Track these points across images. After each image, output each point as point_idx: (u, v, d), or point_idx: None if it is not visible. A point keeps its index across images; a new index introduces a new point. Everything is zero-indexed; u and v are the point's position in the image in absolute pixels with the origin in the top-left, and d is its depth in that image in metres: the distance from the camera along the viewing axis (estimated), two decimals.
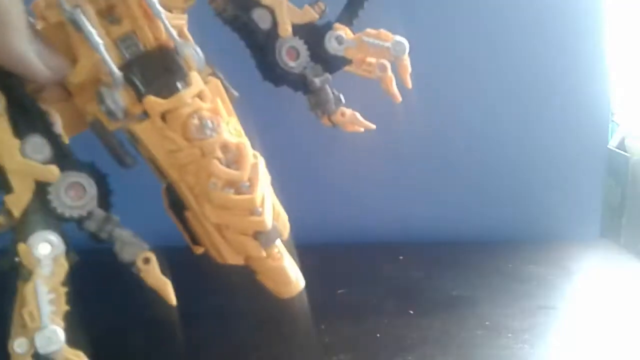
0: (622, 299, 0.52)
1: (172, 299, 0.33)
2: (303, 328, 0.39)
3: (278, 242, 0.35)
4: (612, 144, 0.73)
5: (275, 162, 0.61)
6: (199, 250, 0.36)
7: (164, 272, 0.33)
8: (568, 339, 0.45)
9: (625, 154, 0.70)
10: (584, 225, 0.67)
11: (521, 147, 0.65)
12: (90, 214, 0.32)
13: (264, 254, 0.34)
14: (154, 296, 0.36)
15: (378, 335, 0.44)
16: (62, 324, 0.30)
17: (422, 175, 0.64)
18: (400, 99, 0.44)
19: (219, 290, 0.49)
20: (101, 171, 0.33)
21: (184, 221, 0.35)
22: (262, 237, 0.33)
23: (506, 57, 0.63)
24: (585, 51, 0.64)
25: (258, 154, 0.35)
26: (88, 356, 0.31)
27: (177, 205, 0.35)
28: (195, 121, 0.32)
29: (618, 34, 0.68)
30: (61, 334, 0.30)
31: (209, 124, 0.32)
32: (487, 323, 0.46)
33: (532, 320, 0.47)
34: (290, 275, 0.35)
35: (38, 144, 0.31)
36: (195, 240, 0.36)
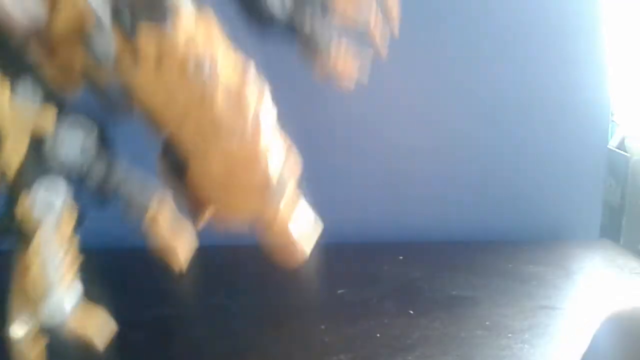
0: (622, 299, 0.52)
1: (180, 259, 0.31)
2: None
3: (287, 194, 0.33)
4: (612, 144, 0.73)
5: None
6: (201, 223, 0.34)
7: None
8: (568, 339, 0.45)
9: (625, 154, 0.70)
10: (584, 225, 0.67)
11: (521, 147, 0.65)
12: (91, 167, 0.30)
13: (272, 211, 0.33)
14: (154, 295, 0.35)
15: (378, 335, 0.44)
16: (74, 284, 0.29)
17: (422, 175, 0.64)
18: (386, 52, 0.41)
19: (219, 290, 0.49)
20: (100, 120, 0.31)
21: (182, 188, 0.33)
22: (268, 192, 0.32)
23: (506, 58, 0.63)
24: (585, 51, 0.64)
25: (263, 91, 0.33)
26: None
27: (177, 168, 0.33)
28: (192, 62, 0.30)
29: (618, 34, 0.68)
30: (72, 298, 0.28)
31: (207, 65, 0.31)
32: (487, 323, 0.46)
33: (532, 320, 0.47)
34: (296, 240, 0.34)
35: (29, 91, 0.29)
36: (196, 208, 0.34)
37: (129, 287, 0.42)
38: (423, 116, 0.62)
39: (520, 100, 0.64)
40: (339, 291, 0.51)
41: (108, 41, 0.30)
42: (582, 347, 0.39)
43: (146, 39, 0.30)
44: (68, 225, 0.29)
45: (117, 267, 0.35)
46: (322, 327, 0.45)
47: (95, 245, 0.35)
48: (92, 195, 0.30)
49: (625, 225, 0.68)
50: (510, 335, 0.44)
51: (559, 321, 0.47)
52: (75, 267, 0.29)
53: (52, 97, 0.30)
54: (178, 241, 0.31)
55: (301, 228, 0.34)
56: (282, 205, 0.33)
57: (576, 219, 0.66)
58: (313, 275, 0.50)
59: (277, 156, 0.33)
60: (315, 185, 0.64)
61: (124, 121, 0.31)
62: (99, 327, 0.30)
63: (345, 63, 0.40)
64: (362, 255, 0.59)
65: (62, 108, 0.30)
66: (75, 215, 0.29)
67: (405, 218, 0.64)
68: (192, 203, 0.34)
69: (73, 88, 0.32)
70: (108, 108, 0.31)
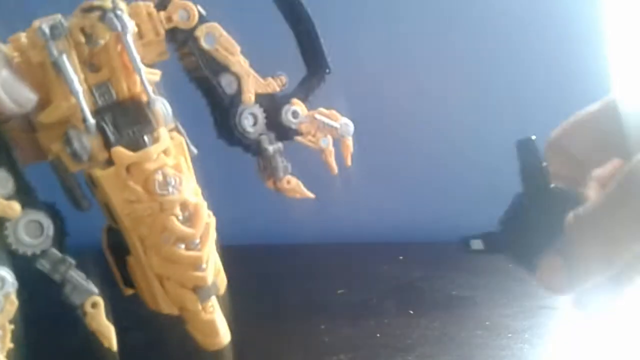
0: (622, 298, 0.52)
1: (113, 345, 0.34)
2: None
3: (213, 298, 0.36)
4: None
5: None
6: (129, 292, 0.38)
7: (107, 317, 0.34)
8: (568, 339, 0.45)
9: None
10: None
11: None
12: (44, 253, 0.32)
13: (199, 307, 0.35)
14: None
15: (378, 335, 0.44)
16: None
17: (422, 175, 0.64)
18: (336, 171, 0.47)
19: None
20: (61, 213, 0.33)
21: (120, 263, 0.37)
22: (201, 291, 0.35)
23: (506, 57, 0.63)
24: (585, 51, 0.64)
25: (211, 214, 0.36)
26: None
27: (119, 248, 0.36)
28: (160, 177, 0.33)
29: (617, 33, 0.68)
30: None
31: (172, 181, 0.33)
32: (487, 323, 0.46)
33: (532, 320, 0.47)
34: (219, 329, 0.37)
35: (2, 179, 0.31)
36: (127, 283, 0.37)
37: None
38: (424, 116, 0.62)
39: (519, 100, 0.64)
40: (339, 291, 0.51)
41: (87, 142, 0.32)
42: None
43: (123, 151, 0.33)
44: (12, 307, 0.31)
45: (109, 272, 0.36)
46: (322, 327, 0.45)
47: (95, 245, 0.35)
48: (41, 276, 0.32)
49: None
50: (510, 335, 0.44)
51: (559, 321, 0.47)
52: (6, 351, 0.31)
53: (22, 182, 0.32)
54: (110, 326, 0.34)
55: (223, 324, 0.37)
56: (208, 305, 0.36)
57: None
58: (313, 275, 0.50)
59: (213, 265, 0.36)
60: (316, 185, 0.64)
61: (84, 211, 0.34)
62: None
63: (298, 185, 0.45)
64: (362, 255, 0.59)
65: (30, 195, 0.32)
66: (15, 303, 0.31)
67: (405, 218, 0.64)
68: (122, 279, 0.38)
69: (38, 161, 0.34)
70: (71, 196, 0.33)
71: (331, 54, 0.43)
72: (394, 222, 0.64)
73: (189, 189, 0.35)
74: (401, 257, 0.59)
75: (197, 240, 0.34)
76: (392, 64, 0.61)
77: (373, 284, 0.53)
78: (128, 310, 0.45)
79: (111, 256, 0.38)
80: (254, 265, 0.54)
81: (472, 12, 0.62)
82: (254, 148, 0.42)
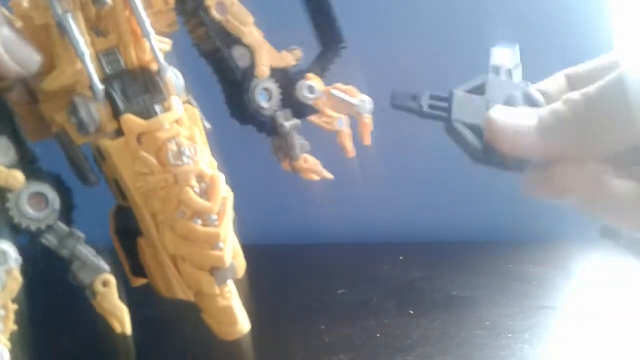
0: (622, 298, 0.52)
1: (127, 328, 0.32)
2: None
3: (230, 282, 0.34)
4: None
5: (274, 162, 0.61)
6: (137, 282, 0.36)
7: (121, 298, 0.32)
8: (568, 339, 0.45)
9: None
10: (584, 225, 0.67)
11: None
12: (49, 228, 0.30)
13: (217, 291, 0.33)
14: (152, 295, 0.35)
15: (378, 335, 0.44)
16: (8, 344, 0.28)
17: (422, 175, 0.64)
18: (353, 154, 0.45)
19: None
20: (66, 184, 0.31)
21: (129, 249, 0.34)
22: (218, 273, 0.33)
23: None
24: (585, 51, 0.64)
25: (229, 189, 0.34)
26: None
27: (128, 231, 0.34)
28: (173, 147, 0.31)
29: (618, 32, 0.68)
30: (6, 355, 0.28)
31: (187, 151, 0.31)
32: (487, 323, 0.46)
33: (532, 320, 0.47)
34: (237, 317, 0.34)
35: (3, 146, 0.29)
36: (136, 271, 0.35)
37: (129, 287, 0.42)
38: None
39: None
40: (339, 291, 0.51)
41: (95, 110, 0.30)
42: None
43: (134, 119, 0.31)
44: (16, 283, 0.29)
45: (117, 267, 0.35)
46: (322, 327, 0.45)
47: (96, 245, 0.35)
48: (46, 252, 0.31)
49: None
50: (510, 335, 0.44)
51: (559, 321, 0.47)
52: (9, 332, 0.29)
53: (25, 151, 0.30)
54: (122, 308, 0.32)
55: (241, 311, 0.35)
56: (226, 289, 0.34)
57: (576, 219, 0.66)
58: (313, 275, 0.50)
59: (231, 245, 0.34)
60: (316, 186, 0.64)
61: (91, 185, 0.32)
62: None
63: (316, 165, 0.43)
64: (362, 255, 0.59)
65: (33, 165, 0.30)
66: (19, 280, 0.29)
67: (405, 218, 0.64)
68: (131, 268, 0.35)
69: (41, 139, 0.32)
70: (78, 170, 0.32)
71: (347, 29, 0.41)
72: (394, 222, 0.64)
73: (204, 160, 0.33)
74: (401, 257, 0.59)
75: (215, 216, 0.32)
76: (389, 64, 0.61)
77: (373, 284, 0.53)
78: (128, 309, 0.45)
79: (119, 241, 0.35)
80: (254, 265, 0.54)
81: (472, 11, 0.62)
82: (269, 125, 0.40)
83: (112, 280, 0.31)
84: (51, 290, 0.36)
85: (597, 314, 0.49)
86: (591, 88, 0.23)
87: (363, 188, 0.63)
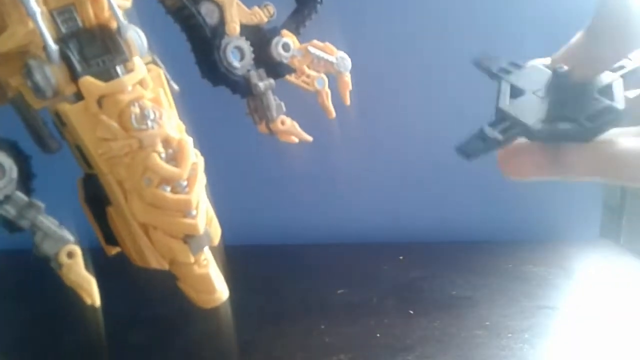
0: (622, 298, 0.52)
1: (96, 299, 0.30)
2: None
3: (206, 249, 0.32)
4: None
5: (274, 162, 0.61)
6: (112, 252, 0.34)
7: (87, 269, 0.30)
8: (568, 339, 0.45)
9: None
10: (584, 225, 0.67)
11: None
12: (7, 198, 0.28)
13: (192, 259, 0.31)
14: (154, 295, 0.35)
15: (378, 335, 0.44)
16: None
17: (422, 176, 0.64)
18: (334, 114, 0.43)
19: None
20: (24, 152, 0.29)
21: (100, 217, 0.32)
22: (192, 241, 0.31)
23: (507, 56, 0.63)
24: None
25: (199, 153, 0.32)
26: None
27: (97, 199, 0.32)
28: (136, 110, 0.29)
29: None
30: None
31: (151, 114, 0.30)
32: (487, 323, 0.46)
33: (532, 320, 0.47)
34: (215, 284, 0.33)
35: None
36: (110, 240, 0.33)
37: (129, 287, 0.42)
38: (423, 116, 0.62)
39: None
40: (339, 291, 0.51)
41: (51, 73, 0.28)
42: None
43: (93, 81, 0.29)
44: None
45: (117, 267, 0.35)
46: (322, 327, 0.45)
47: (96, 245, 0.34)
48: (6, 223, 0.29)
49: (625, 225, 0.68)
50: (510, 335, 0.44)
51: (559, 321, 0.47)
52: None
53: None
54: (90, 278, 0.30)
55: (218, 278, 0.33)
56: (202, 257, 0.32)
57: (576, 219, 0.66)
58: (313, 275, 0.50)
59: (204, 211, 0.32)
60: (316, 185, 0.64)
61: (52, 152, 0.30)
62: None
63: (293, 126, 0.41)
64: (362, 255, 0.59)
65: None
66: None
67: (405, 218, 0.64)
68: (104, 236, 0.33)
69: None
70: (37, 136, 0.30)
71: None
72: (394, 222, 0.64)
73: (171, 124, 0.31)
74: (401, 257, 0.59)
75: (184, 182, 0.30)
76: (390, 66, 0.61)
77: (373, 284, 0.53)
78: (128, 310, 0.45)
79: (90, 210, 0.33)
80: (254, 265, 0.54)
81: (472, 10, 0.61)
82: (242, 86, 0.39)
83: (77, 251, 0.29)
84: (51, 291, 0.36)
85: (597, 314, 0.49)
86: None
87: (363, 188, 0.63)
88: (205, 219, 0.32)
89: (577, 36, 0.25)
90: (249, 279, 0.51)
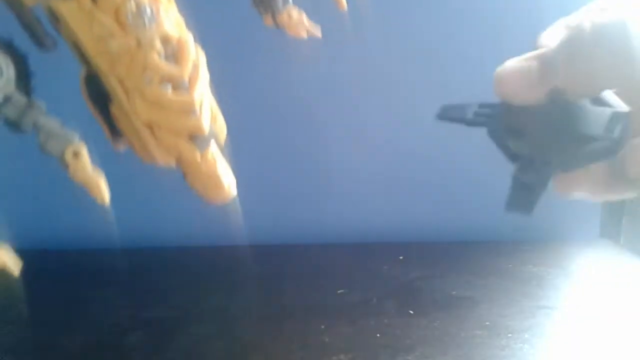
0: (622, 298, 0.52)
1: (104, 197, 0.30)
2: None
3: (213, 144, 0.32)
4: None
5: (274, 162, 0.61)
6: (121, 147, 0.33)
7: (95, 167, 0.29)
8: (568, 339, 0.45)
9: None
10: (584, 225, 0.67)
11: None
12: (7, 99, 0.28)
13: (198, 157, 0.31)
14: (154, 295, 0.35)
15: (378, 335, 0.44)
16: None
17: (422, 176, 0.64)
18: (345, 6, 0.40)
19: (219, 290, 0.49)
20: (20, 50, 0.28)
21: (106, 112, 0.32)
22: (197, 139, 0.31)
23: (507, 56, 0.63)
24: None
25: (200, 49, 0.31)
26: None
27: (100, 96, 0.31)
28: (132, 6, 0.28)
29: None
30: None
31: (147, 10, 0.29)
32: (487, 323, 0.46)
33: (532, 320, 0.47)
34: (223, 181, 0.32)
35: None
36: (117, 133, 0.32)
37: (129, 287, 0.42)
38: (423, 116, 0.62)
39: None
40: (339, 291, 0.51)
41: None
42: None
43: None
44: None
45: (117, 267, 0.35)
46: (322, 327, 0.45)
47: (96, 246, 0.34)
48: (9, 125, 0.28)
49: (625, 225, 0.68)
50: (510, 335, 0.44)
51: (558, 321, 0.47)
52: None
53: None
54: (98, 176, 0.30)
55: (226, 173, 0.33)
56: (208, 154, 0.32)
57: (576, 219, 0.66)
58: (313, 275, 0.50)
59: (209, 110, 0.31)
60: (316, 185, 0.64)
61: (48, 51, 0.30)
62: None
63: (301, 18, 0.39)
64: (362, 255, 0.59)
65: None
66: None
67: (405, 218, 0.64)
68: (110, 131, 0.32)
69: None
70: (32, 33, 0.29)
71: None
72: (394, 222, 0.64)
73: (169, 21, 0.30)
74: (401, 257, 0.59)
75: (186, 81, 0.30)
76: (388, 66, 0.61)
77: (373, 284, 0.53)
78: (128, 310, 0.45)
79: (94, 107, 0.32)
80: (254, 265, 0.54)
81: (473, 10, 0.61)
82: None
83: (82, 149, 0.29)
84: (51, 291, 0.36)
85: (597, 314, 0.49)
86: (598, 17, 0.23)
87: (363, 188, 0.63)
88: (209, 117, 0.31)
89: (560, 54, 0.24)
90: (249, 279, 0.51)
